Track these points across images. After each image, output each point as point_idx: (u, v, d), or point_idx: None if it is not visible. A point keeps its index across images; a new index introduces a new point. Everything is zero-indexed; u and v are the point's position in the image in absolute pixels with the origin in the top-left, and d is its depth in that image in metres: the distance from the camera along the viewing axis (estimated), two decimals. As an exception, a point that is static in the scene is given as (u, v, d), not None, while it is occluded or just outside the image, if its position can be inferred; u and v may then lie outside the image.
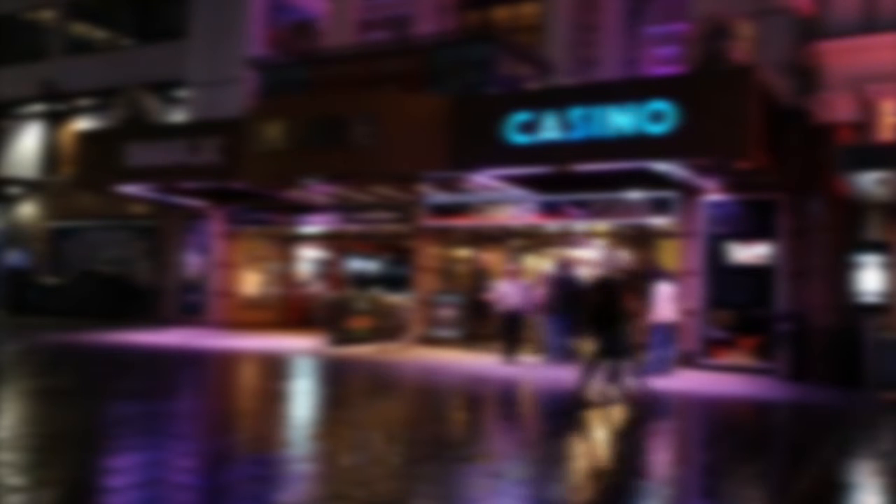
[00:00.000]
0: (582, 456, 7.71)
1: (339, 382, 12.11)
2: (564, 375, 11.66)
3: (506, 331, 14.21)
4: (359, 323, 16.03)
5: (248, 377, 13.03)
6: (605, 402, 9.82)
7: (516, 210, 16.08)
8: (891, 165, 11.08)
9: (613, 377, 10.17)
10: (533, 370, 13.11)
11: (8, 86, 24.38)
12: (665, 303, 12.87)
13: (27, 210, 24.15)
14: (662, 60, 16.60)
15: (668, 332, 12.94)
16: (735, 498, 6.35)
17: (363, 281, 20.29)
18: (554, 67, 16.07)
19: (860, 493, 6.65)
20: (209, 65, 19.94)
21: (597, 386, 9.97)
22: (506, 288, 14.47)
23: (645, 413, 9.72)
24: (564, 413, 9.60)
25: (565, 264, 14.94)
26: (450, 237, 17.38)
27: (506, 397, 11.01)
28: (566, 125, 12.58)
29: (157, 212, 20.54)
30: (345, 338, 15.40)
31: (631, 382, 10.34)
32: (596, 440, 8.48)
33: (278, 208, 18.59)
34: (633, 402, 10.06)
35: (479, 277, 17.92)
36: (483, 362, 13.83)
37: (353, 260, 21.28)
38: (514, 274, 15.22)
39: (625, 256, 16.10)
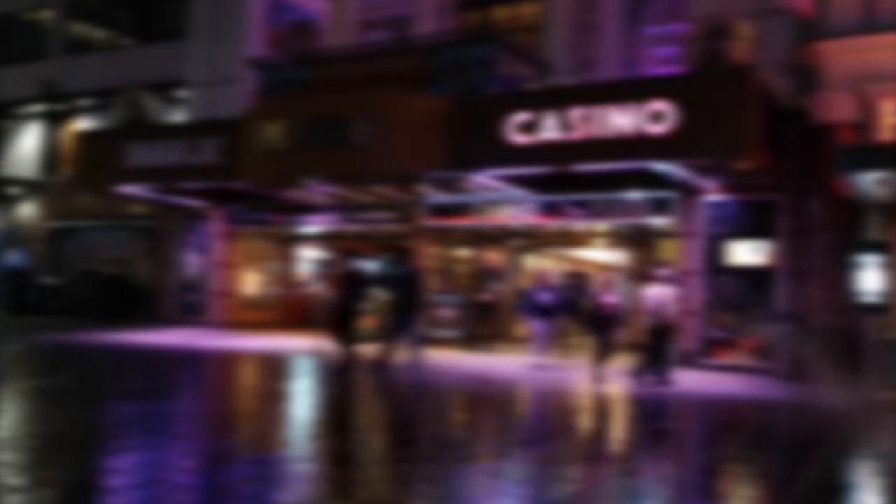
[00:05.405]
0: None
1: (350, 382, 12.10)
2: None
3: (652, 346, 11.88)
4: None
5: (256, 377, 13.01)
6: None
7: (516, 210, 16.08)
8: (891, 165, 11.08)
9: None
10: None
11: (8, 86, 24.39)
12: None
13: (27, 210, 24.15)
14: (662, 60, 16.59)
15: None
16: (734, 498, 6.35)
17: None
18: (554, 67, 16.07)
19: (860, 493, 6.65)
20: (209, 65, 19.93)
21: None
22: (658, 295, 11.95)
23: None
24: None
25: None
26: (450, 237, 17.38)
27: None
28: (566, 125, 12.58)
29: (157, 212, 20.54)
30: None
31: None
32: None
33: (278, 208, 18.59)
34: None
35: (481, 277, 17.90)
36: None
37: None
38: (667, 279, 12.51)
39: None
